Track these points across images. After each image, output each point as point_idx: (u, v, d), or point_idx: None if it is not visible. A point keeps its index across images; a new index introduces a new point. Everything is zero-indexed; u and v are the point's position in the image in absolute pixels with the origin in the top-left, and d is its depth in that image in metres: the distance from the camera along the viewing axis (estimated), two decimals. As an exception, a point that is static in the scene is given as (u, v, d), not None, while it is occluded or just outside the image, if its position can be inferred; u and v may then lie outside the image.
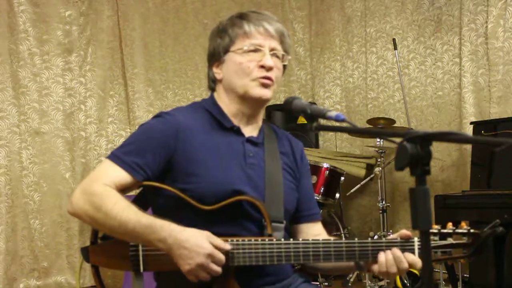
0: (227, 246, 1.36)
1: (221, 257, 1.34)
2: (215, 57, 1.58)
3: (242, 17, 1.55)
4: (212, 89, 1.63)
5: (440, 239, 1.43)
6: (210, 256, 1.32)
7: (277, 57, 1.55)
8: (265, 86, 1.51)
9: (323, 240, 1.43)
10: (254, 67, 1.50)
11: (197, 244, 1.32)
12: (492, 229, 1.39)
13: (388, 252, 1.42)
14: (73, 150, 3.97)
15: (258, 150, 1.57)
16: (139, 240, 1.38)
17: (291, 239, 1.43)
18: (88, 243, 1.50)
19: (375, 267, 1.44)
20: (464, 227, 1.44)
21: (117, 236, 1.39)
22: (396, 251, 1.42)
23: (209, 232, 1.36)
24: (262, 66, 1.50)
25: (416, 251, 1.42)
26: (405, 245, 1.43)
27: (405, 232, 1.46)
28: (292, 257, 1.40)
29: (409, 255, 1.42)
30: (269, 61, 1.51)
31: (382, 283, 3.38)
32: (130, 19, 4.18)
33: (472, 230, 1.43)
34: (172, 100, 4.34)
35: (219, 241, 1.35)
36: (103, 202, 1.36)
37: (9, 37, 3.77)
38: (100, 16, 4.09)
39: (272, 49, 1.53)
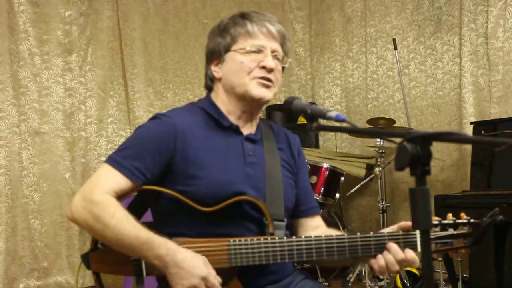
0: (219, 279, 1.35)
1: (215, 283, 1.33)
2: (214, 56, 1.58)
3: (244, 16, 1.55)
4: (210, 87, 1.63)
5: (441, 230, 1.43)
6: (205, 280, 1.32)
7: (278, 59, 1.55)
8: (265, 86, 1.51)
9: (325, 236, 1.42)
10: (255, 67, 1.50)
11: (193, 265, 1.32)
12: (492, 218, 1.38)
13: (386, 252, 1.40)
14: (73, 150, 3.97)
15: (256, 148, 1.57)
16: (135, 254, 1.37)
17: (294, 237, 1.42)
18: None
19: (375, 266, 1.44)
20: (464, 217, 1.44)
21: (114, 248, 1.37)
22: (395, 247, 1.40)
23: (205, 258, 1.35)
24: (263, 67, 1.50)
25: (419, 244, 1.40)
26: (407, 239, 1.42)
27: (405, 223, 1.44)
28: (295, 254, 1.39)
29: (409, 252, 1.39)
30: (270, 62, 1.50)
31: (382, 283, 3.38)
32: (130, 19, 4.18)
33: (472, 220, 1.43)
34: (172, 100, 4.34)
35: (213, 271, 1.35)
36: (102, 213, 1.34)
37: (9, 37, 3.77)
38: (100, 16, 4.09)
39: (273, 51, 1.53)
